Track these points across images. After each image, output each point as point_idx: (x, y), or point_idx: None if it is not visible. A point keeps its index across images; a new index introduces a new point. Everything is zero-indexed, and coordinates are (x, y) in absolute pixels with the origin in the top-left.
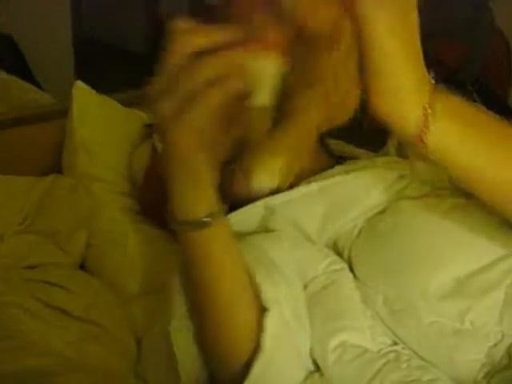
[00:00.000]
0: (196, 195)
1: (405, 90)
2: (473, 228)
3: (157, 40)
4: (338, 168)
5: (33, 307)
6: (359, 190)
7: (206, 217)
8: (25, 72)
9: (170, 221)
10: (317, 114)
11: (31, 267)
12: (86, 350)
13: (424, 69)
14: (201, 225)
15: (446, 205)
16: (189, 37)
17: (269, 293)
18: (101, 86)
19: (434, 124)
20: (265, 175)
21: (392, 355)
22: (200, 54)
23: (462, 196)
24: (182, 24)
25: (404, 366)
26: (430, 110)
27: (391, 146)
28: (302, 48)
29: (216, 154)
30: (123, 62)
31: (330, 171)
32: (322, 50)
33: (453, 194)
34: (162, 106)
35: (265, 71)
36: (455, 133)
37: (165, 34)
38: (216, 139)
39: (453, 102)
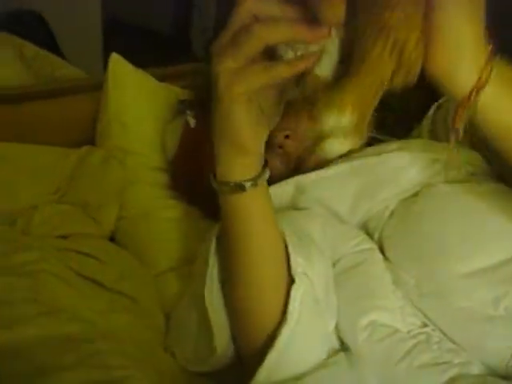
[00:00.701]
0: (239, 158)
1: (464, 48)
2: (509, 213)
3: (183, 22)
4: (369, 149)
5: (65, 276)
6: (391, 172)
7: (247, 181)
8: (53, 48)
9: (212, 181)
10: (387, 64)
11: (64, 237)
12: (115, 320)
13: (484, 33)
14: (240, 188)
15: (481, 190)
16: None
17: (300, 265)
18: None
19: (487, 85)
20: (333, 110)
21: (422, 337)
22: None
23: (497, 182)
24: None
25: (435, 347)
26: (485, 71)
27: (425, 127)
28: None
29: (265, 121)
30: (149, 43)
31: (361, 152)
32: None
33: (488, 180)
34: (224, 63)
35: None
36: (507, 94)
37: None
38: (268, 105)
39: (506, 68)
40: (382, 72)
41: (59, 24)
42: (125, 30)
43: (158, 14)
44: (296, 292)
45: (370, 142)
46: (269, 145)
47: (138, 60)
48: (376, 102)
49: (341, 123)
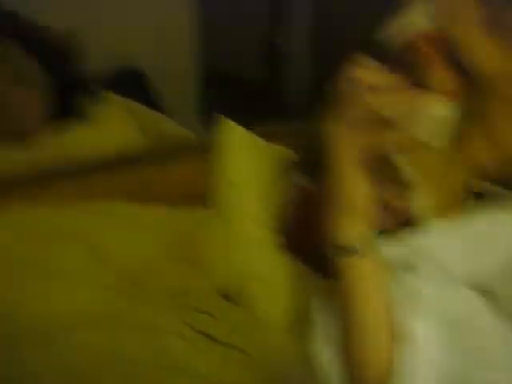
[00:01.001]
0: (352, 221)
1: None
2: None
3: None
4: (479, 205)
5: (182, 331)
6: (502, 229)
7: (360, 243)
8: (152, 103)
9: (323, 243)
10: (480, 151)
11: (179, 294)
12: (228, 375)
13: None
14: (354, 250)
15: None
16: (366, 71)
17: (411, 326)
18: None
19: None
20: (418, 194)
21: None
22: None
23: None
24: (363, 60)
25: None
26: None
27: None
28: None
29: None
30: (242, 91)
31: (470, 208)
32: (493, 94)
33: None
34: (335, 129)
35: (436, 112)
36: None
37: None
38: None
39: None
40: (473, 158)
41: (155, 79)
42: (217, 80)
43: (249, 63)
44: (407, 354)
45: (486, 195)
46: (383, 205)
47: (234, 111)
48: (469, 187)
49: (425, 205)
